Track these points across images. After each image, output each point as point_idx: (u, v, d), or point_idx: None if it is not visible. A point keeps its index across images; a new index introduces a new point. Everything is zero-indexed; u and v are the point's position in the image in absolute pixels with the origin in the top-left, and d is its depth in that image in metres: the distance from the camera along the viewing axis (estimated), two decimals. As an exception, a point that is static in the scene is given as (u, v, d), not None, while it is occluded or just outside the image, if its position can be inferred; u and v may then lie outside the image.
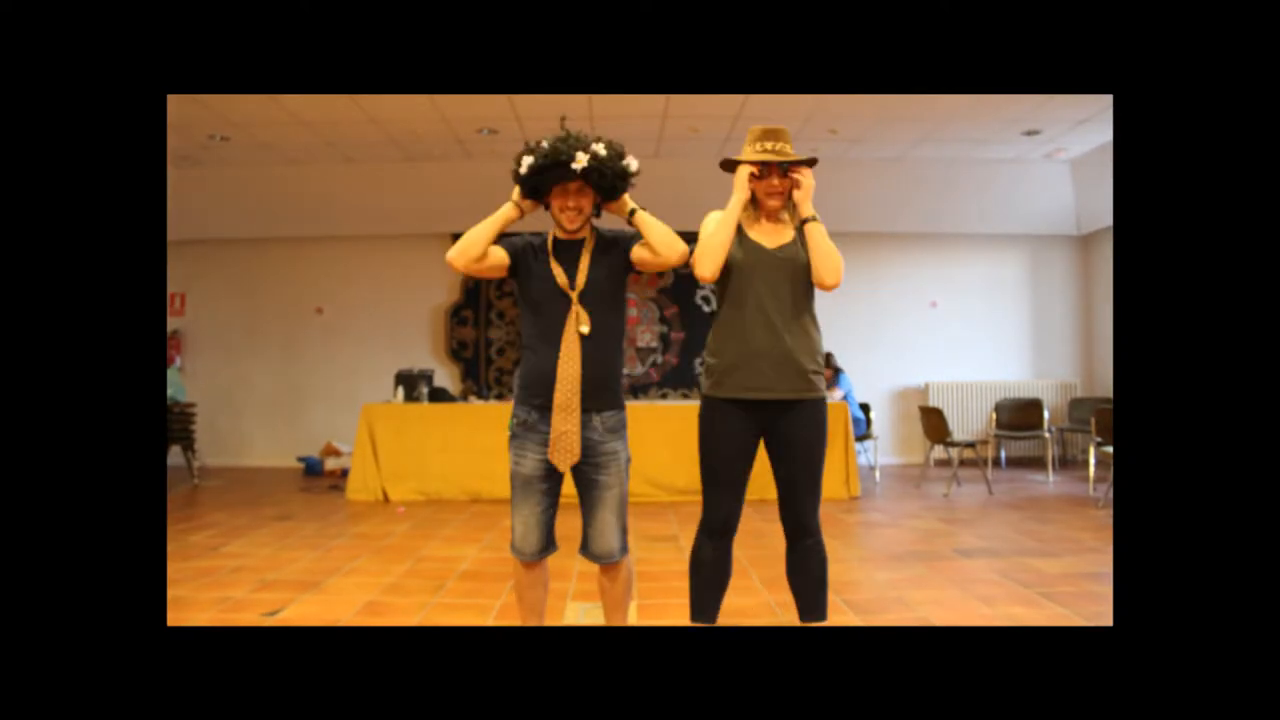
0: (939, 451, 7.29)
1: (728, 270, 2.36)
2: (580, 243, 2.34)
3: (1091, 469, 6.53)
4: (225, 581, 3.74)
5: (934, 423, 6.64)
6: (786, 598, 2.55)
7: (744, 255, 2.36)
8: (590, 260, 2.32)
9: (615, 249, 2.36)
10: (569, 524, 2.43)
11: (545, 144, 2.23)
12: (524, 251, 2.37)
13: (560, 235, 2.36)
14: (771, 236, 2.38)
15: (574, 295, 2.29)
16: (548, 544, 2.36)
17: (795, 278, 2.35)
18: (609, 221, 2.41)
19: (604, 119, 6.65)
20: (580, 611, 3.07)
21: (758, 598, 3.40)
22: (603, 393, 2.31)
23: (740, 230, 2.40)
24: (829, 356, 6.92)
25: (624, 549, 2.37)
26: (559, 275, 2.31)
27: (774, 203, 2.38)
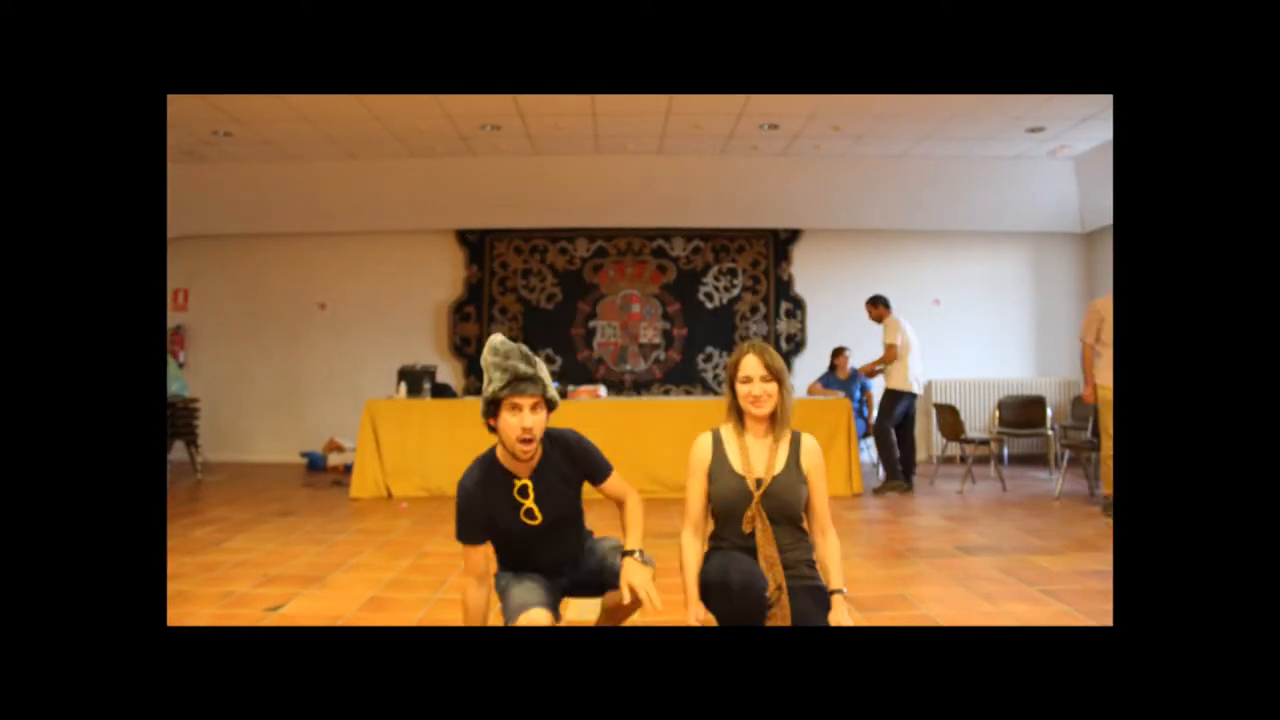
0: (942, 449, 7.29)
1: (712, 504, 2.32)
2: (533, 470, 2.34)
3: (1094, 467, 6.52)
4: (228, 576, 3.76)
5: (949, 420, 6.64)
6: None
7: (728, 491, 2.26)
8: (546, 486, 2.34)
9: (572, 471, 2.38)
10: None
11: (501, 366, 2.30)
12: (484, 511, 2.31)
13: (510, 465, 2.34)
14: (758, 459, 2.29)
15: (536, 523, 2.33)
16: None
17: (785, 512, 2.27)
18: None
19: (607, 116, 6.65)
20: (582, 609, 3.07)
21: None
22: (578, 559, 2.46)
23: (722, 454, 2.30)
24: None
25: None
26: (521, 509, 2.32)
27: (760, 411, 2.25)
